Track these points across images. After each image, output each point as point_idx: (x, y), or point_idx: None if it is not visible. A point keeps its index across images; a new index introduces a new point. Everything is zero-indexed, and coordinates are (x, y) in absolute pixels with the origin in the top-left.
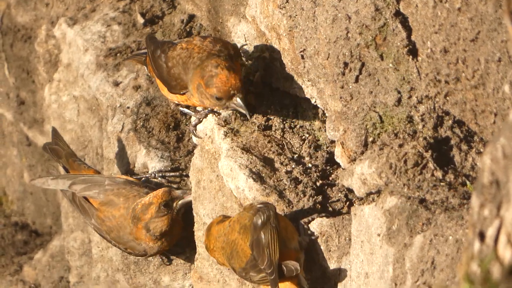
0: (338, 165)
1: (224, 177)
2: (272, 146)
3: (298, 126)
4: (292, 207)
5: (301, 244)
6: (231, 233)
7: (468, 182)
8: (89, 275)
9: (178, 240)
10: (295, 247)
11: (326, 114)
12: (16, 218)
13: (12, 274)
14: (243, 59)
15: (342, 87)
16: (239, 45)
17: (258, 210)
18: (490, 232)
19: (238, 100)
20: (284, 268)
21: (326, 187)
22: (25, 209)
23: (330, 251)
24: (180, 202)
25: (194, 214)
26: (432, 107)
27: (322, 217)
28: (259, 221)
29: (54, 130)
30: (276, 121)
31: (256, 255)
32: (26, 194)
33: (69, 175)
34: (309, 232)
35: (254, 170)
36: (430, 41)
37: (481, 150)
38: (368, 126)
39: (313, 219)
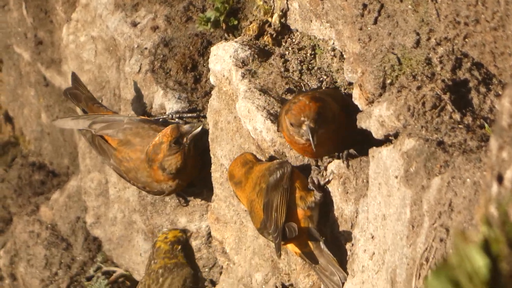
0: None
1: (241, 119)
2: (290, 88)
3: (316, 68)
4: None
5: (315, 200)
6: (252, 191)
7: (486, 125)
8: (106, 216)
9: (195, 178)
10: (306, 206)
11: (344, 56)
12: (34, 158)
13: (29, 214)
14: None
15: (361, 29)
16: None
17: (274, 170)
18: (508, 175)
19: (305, 127)
20: (286, 229)
21: None
22: (43, 150)
23: (347, 193)
24: (189, 136)
25: (211, 155)
26: (450, 49)
27: (339, 159)
28: (272, 181)
29: (74, 75)
30: (294, 63)
31: (265, 218)
32: (44, 134)
33: (89, 115)
34: (324, 176)
35: (271, 111)
36: None
37: (500, 92)
38: (386, 68)
39: (325, 168)
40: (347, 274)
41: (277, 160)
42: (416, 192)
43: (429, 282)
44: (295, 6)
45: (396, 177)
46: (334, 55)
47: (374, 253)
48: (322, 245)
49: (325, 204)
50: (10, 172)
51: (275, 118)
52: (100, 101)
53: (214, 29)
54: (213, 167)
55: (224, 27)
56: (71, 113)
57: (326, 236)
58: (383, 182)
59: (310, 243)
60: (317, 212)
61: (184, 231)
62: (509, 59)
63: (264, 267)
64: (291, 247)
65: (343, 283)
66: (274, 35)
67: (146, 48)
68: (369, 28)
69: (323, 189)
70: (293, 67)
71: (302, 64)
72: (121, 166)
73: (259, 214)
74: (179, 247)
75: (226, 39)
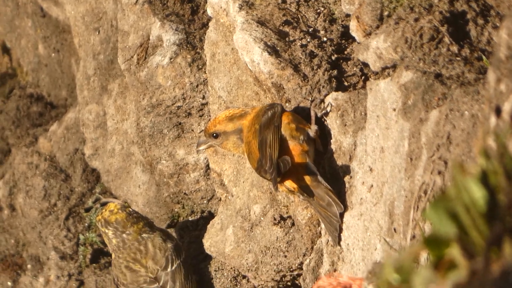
0: (353, 39)
1: (239, 50)
2: (287, 20)
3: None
4: (307, 81)
5: (310, 135)
6: (248, 132)
7: (484, 57)
8: (104, 148)
9: None
10: (301, 140)
11: None
12: (31, 89)
13: (28, 145)
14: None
15: None
16: None
17: (265, 111)
18: (506, 107)
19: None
20: (281, 164)
21: (341, 61)
22: (40, 81)
23: (345, 125)
24: None
25: (209, 87)
26: None
27: (337, 91)
28: (264, 120)
29: None
30: None
31: (261, 156)
32: (41, 65)
33: None
34: (322, 108)
35: (269, 43)
36: None
37: (498, 24)
38: (383, 0)
39: (322, 100)
40: (345, 207)
41: (268, 103)
42: (414, 124)
43: (427, 214)
44: None
45: (394, 109)
46: None
47: (372, 186)
48: (320, 178)
49: (323, 136)
50: (8, 104)
51: (272, 50)
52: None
53: None
54: (210, 99)
55: None
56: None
57: (324, 169)
58: (381, 115)
59: (307, 177)
60: (313, 146)
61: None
62: None
63: (262, 199)
64: (288, 183)
65: (341, 214)
66: None
67: None
68: None
69: (320, 122)
70: None
71: None
72: None
73: (256, 153)
74: (129, 208)
75: None
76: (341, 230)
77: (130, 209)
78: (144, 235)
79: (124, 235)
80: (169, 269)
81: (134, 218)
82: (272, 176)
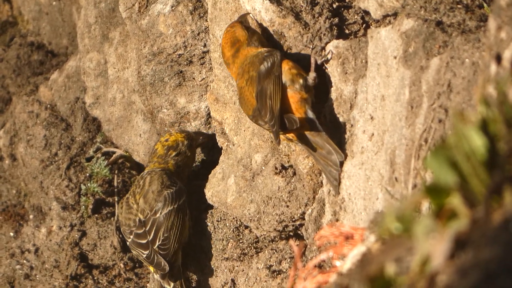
0: None
1: None
2: None
3: None
4: (309, 29)
5: (308, 82)
6: (241, 78)
7: (485, 4)
8: (105, 96)
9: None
10: (300, 88)
11: None
12: (32, 38)
13: (28, 94)
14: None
15: None
16: None
17: (264, 58)
18: (506, 55)
19: None
20: (286, 121)
21: (342, 9)
22: (41, 29)
23: (346, 73)
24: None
25: (210, 36)
26: None
27: (338, 39)
28: (263, 69)
29: None
30: None
31: (260, 106)
32: (42, 14)
33: None
34: (322, 55)
35: None
36: None
37: None
38: None
39: (323, 48)
40: (346, 155)
41: (266, 49)
42: (415, 72)
43: (428, 163)
44: None
45: (395, 57)
46: None
47: (373, 134)
48: (319, 126)
49: (325, 85)
50: (9, 52)
51: None
52: None
53: None
54: (212, 47)
55: None
56: None
57: (324, 117)
58: (382, 63)
59: (306, 126)
60: (312, 94)
61: (192, 136)
62: None
63: (263, 148)
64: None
65: (341, 163)
66: None
67: None
68: None
69: (321, 70)
70: None
71: None
72: None
73: (251, 101)
74: (174, 153)
75: None
76: (340, 179)
77: (174, 153)
78: (152, 171)
79: (147, 163)
80: (158, 215)
81: (163, 160)
82: (273, 129)
